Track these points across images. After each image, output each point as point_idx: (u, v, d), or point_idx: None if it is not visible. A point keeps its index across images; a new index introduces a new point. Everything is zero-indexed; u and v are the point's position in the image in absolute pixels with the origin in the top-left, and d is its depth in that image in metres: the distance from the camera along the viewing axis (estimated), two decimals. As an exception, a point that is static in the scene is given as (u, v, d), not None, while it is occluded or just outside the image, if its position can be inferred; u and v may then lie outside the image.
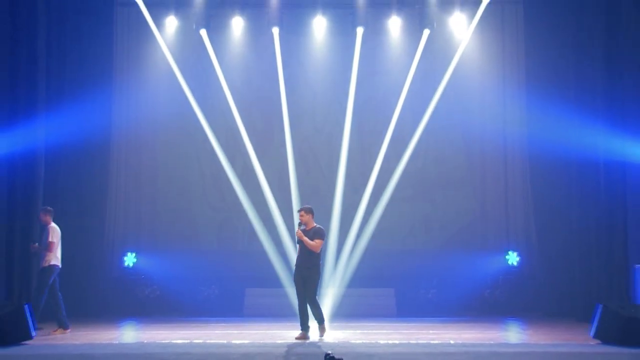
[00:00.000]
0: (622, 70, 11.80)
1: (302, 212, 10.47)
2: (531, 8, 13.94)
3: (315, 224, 10.44)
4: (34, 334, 9.99)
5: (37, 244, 11.25)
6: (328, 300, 12.75)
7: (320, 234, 10.39)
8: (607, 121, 12.09)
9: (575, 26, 13.08)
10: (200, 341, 10.02)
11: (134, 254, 14.40)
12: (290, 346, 9.58)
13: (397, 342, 9.92)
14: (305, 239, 10.26)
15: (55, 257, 11.08)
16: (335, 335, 10.67)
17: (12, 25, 11.35)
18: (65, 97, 13.07)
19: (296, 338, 10.18)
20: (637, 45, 10.99)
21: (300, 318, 10.35)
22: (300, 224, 10.41)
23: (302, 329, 10.31)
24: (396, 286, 14.06)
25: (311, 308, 10.33)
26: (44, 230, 11.16)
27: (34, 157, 12.09)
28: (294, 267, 10.52)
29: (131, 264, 14.35)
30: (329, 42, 14.69)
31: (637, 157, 10.21)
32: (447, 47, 14.48)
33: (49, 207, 11.34)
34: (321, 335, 10.32)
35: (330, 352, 6.67)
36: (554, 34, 13.45)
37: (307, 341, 10.05)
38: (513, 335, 11.47)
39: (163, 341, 10.05)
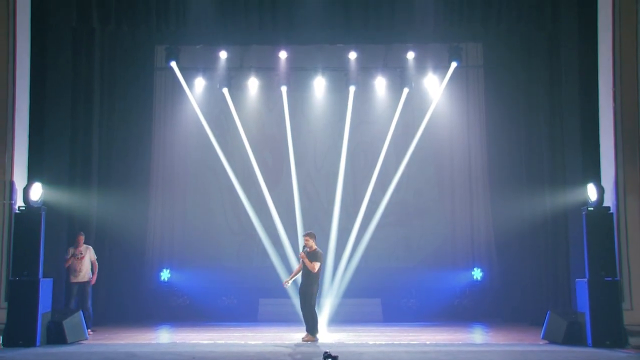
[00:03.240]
0: (563, 117, 11.86)
1: (307, 237, 10.36)
2: (490, 71, 14.11)
3: (316, 247, 10.32)
4: (87, 335, 10.17)
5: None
6: (326, 308, 12.70)
7: (319, 257, 10.23)
8: (550, 161, 12.26)
9: (525, 83, 13.12)
10: (222, 342, 10.04)
11: (168, 270, 14.46)
12: (296, 346, 9.62)
13: (383, 342, 9.96)
14: (307, 261, 10.16)
15: None
16: (332, 337, 10.67)
17: (72, 89, 11.57)
18: (115, 142, 13.25)
19: (302, 339, 10.11)
20: (574, 95, 11.07)
21: (305, 323, 10.28)
22: (304, 247, 10.38)
23: (309, 332, 10.20)
24: (382, 296, 14.04)
25: (307, 316, 10.22)
26: (76, 249, 11.21)
27: (88, 191, 12.25)
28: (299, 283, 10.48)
29: (166, 279, 14.41)
30: (327, 98, 14.88)
31: (575, 194, 10.41)
32: (423, 102, 14.65)
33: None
34: (304, 340, 10.06)
35: (328, 350, 6.77)
36: (508, 90, 13.53)
37: (314, 342, 9.94)
38: (477, 336, 11.50)
39: (192, 341, 10.09)
